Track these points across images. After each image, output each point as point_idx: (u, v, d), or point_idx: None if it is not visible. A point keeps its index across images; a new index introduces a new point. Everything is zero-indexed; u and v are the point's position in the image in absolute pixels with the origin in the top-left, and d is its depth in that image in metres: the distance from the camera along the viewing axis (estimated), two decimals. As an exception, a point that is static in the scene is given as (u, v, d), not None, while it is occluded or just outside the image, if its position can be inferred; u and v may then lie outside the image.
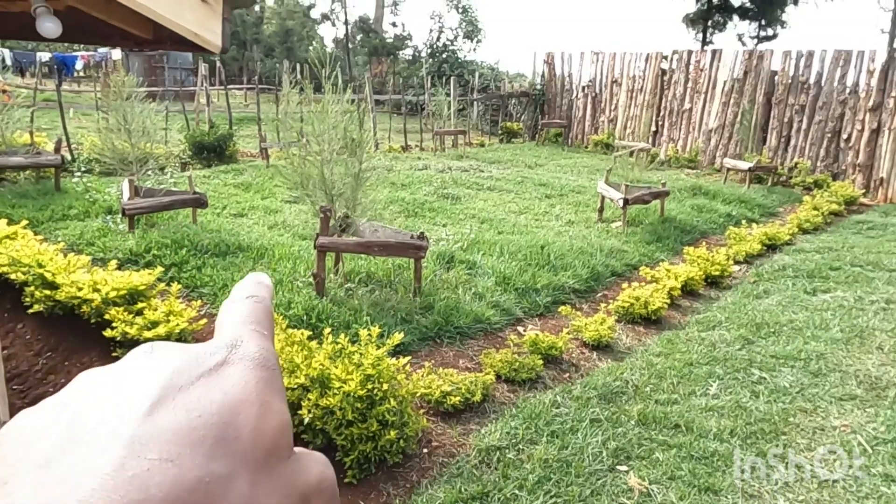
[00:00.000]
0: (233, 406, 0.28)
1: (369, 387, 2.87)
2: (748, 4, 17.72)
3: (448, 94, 14.37)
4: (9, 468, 0.25)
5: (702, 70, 13.02)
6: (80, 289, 3.96)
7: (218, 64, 17.02)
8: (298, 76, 15.02)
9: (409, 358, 3.33)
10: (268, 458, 0.28)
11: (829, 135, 11.38)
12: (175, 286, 4.18)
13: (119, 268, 4.62)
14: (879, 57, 10.73)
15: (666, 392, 3.72)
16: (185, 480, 0.24)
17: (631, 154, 8.76)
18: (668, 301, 5.06)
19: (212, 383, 0.28)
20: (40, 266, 4.17)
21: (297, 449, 0.31)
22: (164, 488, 0.24)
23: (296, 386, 2.97)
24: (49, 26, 1.95)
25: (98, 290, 3.95)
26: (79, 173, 7.64)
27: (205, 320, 4.04)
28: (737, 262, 6.41)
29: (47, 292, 4.06)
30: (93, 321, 3.94)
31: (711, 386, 3.82)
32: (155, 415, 0.26)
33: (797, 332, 4.69)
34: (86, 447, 0.25)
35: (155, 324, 3.73)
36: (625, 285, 5.28)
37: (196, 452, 0.25)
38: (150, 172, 6.82)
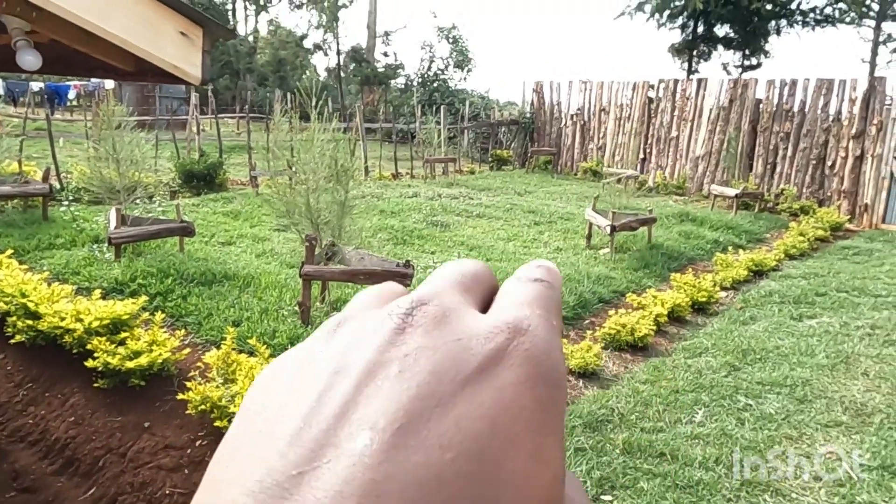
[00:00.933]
0: (497, 450, 0.20)
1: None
2: (732, 35, 18.08)
3: (438, 123, 14.51)
4: (245, 457, 0.20)
5: (688, 98, 13.22)
6: (62, 318, 3.94)
7: (209, 93, 17.14)
8: (289, 105, 15.13)
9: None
10: None
11: (814, 161, 11.54)
12: (159, 315, 4.16)
13: (104, 297, 4.60)
14: (861, 86, 10.94)
15: (652, 420, 3.71)
16: None
17: (619, 181, 8.84)
18: (655, 328, 5.07)
19: (479, 395, 0.20)
20: (23, 296, 4.14)
21: (570, 490, 0.22)
22: None
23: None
24: (29, 59, 1.97)
25: (81, 320, 3.92)
26: (66, 202, 7.64)
27: (188, 350, 4.02)
28: (724, 289, 6.44)
29: (30, 322, 4.03)
30: (75, 351, 3.91)
31: (697, 413, 3.81)
32: (401, 449, 0.19)
33: (783, 358, 4.70)
34: (311, 480, 0.19)
35: (137, 353, 3.70)
36: (612, 312, 5.28)
37: None
38: (138, 201, 6.82)
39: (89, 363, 3.66)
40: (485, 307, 0.26)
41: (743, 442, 3.48)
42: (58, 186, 8.83)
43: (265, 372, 0.24)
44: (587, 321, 5.48)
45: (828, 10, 16.27)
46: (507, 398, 0.20)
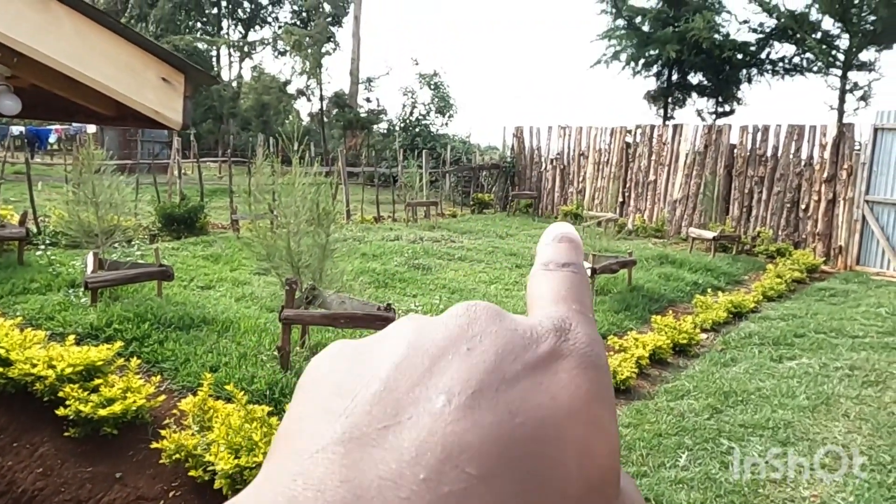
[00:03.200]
0: (560, 419, 0.22)
1: (330, 464, 2.78)
2: (705, 82, 18.64)
3: (420, 167, 14.66)
4: (319, 420, 0.22)
5: (664, 144, 13.53)
6: (34, 365, 3.84)
7: (192, 137, 17.21)
8: (271, 149, 15.21)
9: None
10: (590, 496, 0.21)
11: (789, 205, 11.79)
12: (134, 361, 4.07)
13: (78, 343, 4.50)
14: (830, 132, 11.29)
15: (635, 464, 3.67)
16: None
17: (599, 224, 8.95)
18: (637, 370, 5.06)
19: (538, 379, 0.23)
20: (-6, 342, 4.04)
21: (624, 484, 0.24)
22: None
23: (254, 465, 2.87)
24: (8, 104, 1.97)
25: (53, 367, 3.82)
26: (43, 246, 7.54)
27: (163, 396, 3.93)
28: (704, 330, 6.47)
29: (0, 369, 3.93)
30: (46, 399, 3.80)
31: (681, 457, 3.78)
32: (476, 409, 0.21)
33: (765, 399, 4.70)
34: (396, 433, 0.21)
35: (111, 401, 3.61)
36: (594, 355, 5.28)
37: (514, 476, 0.20)
38: (116, 245, 6.75)
39: (60, 411, 3.55)
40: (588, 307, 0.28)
41: (727, 486, 3.45)
42: (35, 230, 8.73)
43: (327, 352, 0.26)
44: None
45: (796, 60, 16.87)
46: (564, 380, 0.23)
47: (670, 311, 6.79)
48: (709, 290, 8.04)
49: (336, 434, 0.21)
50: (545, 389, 0.22)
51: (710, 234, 10.79)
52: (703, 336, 6.31)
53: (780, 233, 11.83)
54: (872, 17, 13.86)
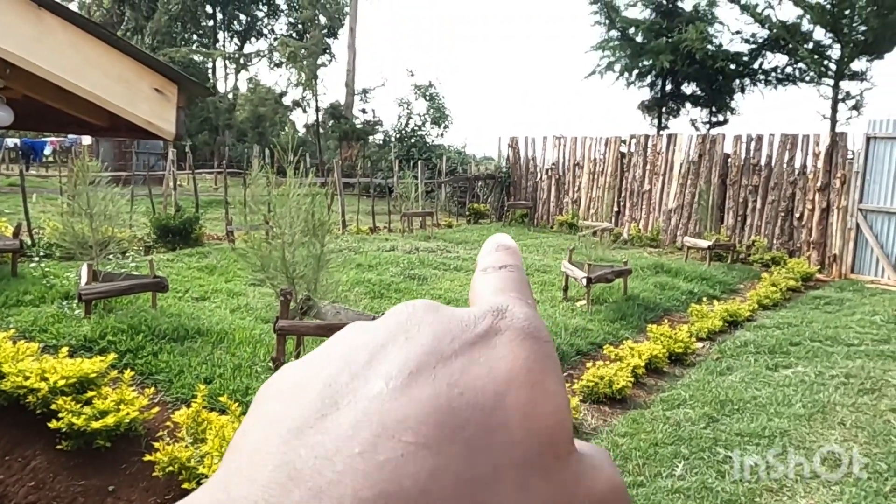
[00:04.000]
0: (499, 385, 0.23)
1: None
2: (699, 92, 18.74)
3: (416, 177, 14.68)
4: (263, 428, 0.23)
5: (659, 153, 13.58)
6: (26, 378, 3.81)
7: (187, 149, 17.22)
8: (267, 160, 15.23)
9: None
10: (542, 454, 0.22)
11: (783, 214, 11.84)
12: (128, 373, 4.05)
13: (71, 355, 4.48)
14: (823, 141, 11.35)
15: (632, 474, 3.66)
16: (443, 476, 0.20)
17: (594, 234, 8.97)
18: (633, 379, 5.06)
19: (476, 354, 0.23)
20: (-14, 355, 4.01)
21: (578, 444, 0.25)
22: (420, 482, 0.20)
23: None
24: (1, 115, 1.97)
25: (46, 379, 3.80)
26: (37, 258, 7.51)
27: (157, 409, 3.91)
28: (700, 339, 6.48)
29: (-8, 382, 3.90)
30: (38, 412, 3.77)
31: (677, 466, 3.77)
32: (413, 387, 0.22)
33: (761, 408, 4.70)
34: (334, 417, 0.21)
35: (104, 413, 3.58)
36: (589, 364, 5.27)
37: (456, 440, 0.21)
38: (111, 257, 6.73)
39: (53, 424, 3.53)
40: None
41: (724, 495, 3.43)
42: (29, 242, 8.70)
43: (276, 374, 0.26)
44: (565, 374, 5.45)
45: (788, 70, 16.99)
46: (502, 351, 0.24)
47: (666, 320, 6.79)
48: (704, 298, 8.05)
49: (279, 434, 0.22)
50: (483, 362, 0.23)
51: (704, 243, 10.81)
52: (699, 345, 6.31)
53: (774, 241, 11.86)
54: (863, 28, 13.99)
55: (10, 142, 22.81)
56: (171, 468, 3.19)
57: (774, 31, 15.59)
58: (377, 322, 0.26)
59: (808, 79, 16.33)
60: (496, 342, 0.24)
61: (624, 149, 14.22)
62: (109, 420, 3.51)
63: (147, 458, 3.31)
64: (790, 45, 15.50)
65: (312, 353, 0.26)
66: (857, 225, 10.79)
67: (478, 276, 0.30)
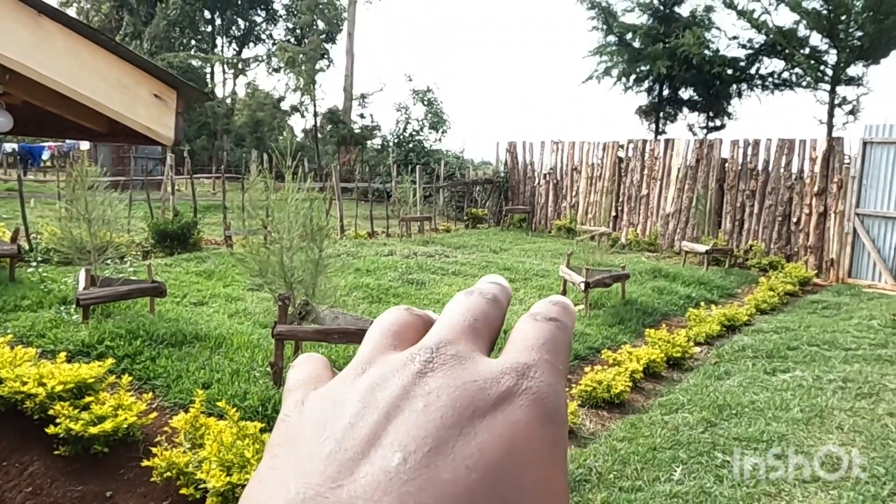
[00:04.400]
0: (513, 473, 0.22)
1: (323, 481, 2.76)
2: (696, 97, 18.78)
3: (414, 182, 14.70)
4: (278, 484, 0.22)
5: (656, 158, 13.61)
6: (24, 383, 3.81)
7: (185, 154, 17.22)
8: (265, 165, 15.24)
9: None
10: None
11: (780, 218, 11.86)
12: (126, 378, 4.05)
13: (69, 360, 4.47)
14: (820, 146, 11.39)
15: (630, 479, 3.66)
16: None
17: (592, 238, 8.98)
18: (631, 384, 5.06)
19: (496, 427, 0.23)
20: (-17, 360, 4.01)
21: None
22: None
23: (246, 482, 2.84)
24: (0, 121, 1.98)
25: (43, 384, 3.79)
26: (35, 263, 7.50)
27: (155, 414, 3.90)
28: (698, 344, 6.48)
29: (-11, 387, 3.89)
30: (36, 417, 3.76)
31: (675, 471, 3.77)
32: (431, 467, 0.21)
33: (759, 412, 4.70)
34: (350, 488, 0.21)
35: (102, 418, 3.58)
36: (588, 368, 5.27)
37: None
38: (109, 261, 6.72)
39: (50, 429, 3.52)
40: (492, 345, 0.28)
41: (722, 500, 3.43)
42: (27, 247, 8.69)
43: (290, 410, 0.26)
44: (563, 378, 5.44)
45: (785, 75, 17.05)
46: (519, 432, 0.23)
47: (664, 325, 6.80)
48: (702, 303, 8.06)
49: (290, 495, 0.21)
50: (502, 442, 0.23)
51: (702, 248, 10.83)
52: (697, 349, 6.31)
53: (772, 246, 11.88)
54: (859, 33, 14.04)
55: (9, 146, 22.81)
56: (168, 473, 3.18)
57: (771, 36, 15.64)
58: (393, 371, 0.25)
59: (804, 84, 16.38)
60: (514, 415, 0.23)
61: (622, 153, 14.25)
62: (107, 425, 3.50)
63: (145, 463, 3.31)
64: (787, 51, 15.55)
65: (329, 388, 0.26)
66: (854, 229, 10.82)
67: (526, 319, 0.29)
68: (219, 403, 3.78)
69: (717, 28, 18.14)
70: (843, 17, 13.90)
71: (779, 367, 5.83)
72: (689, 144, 13.20)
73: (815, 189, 11.34)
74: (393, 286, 8.09)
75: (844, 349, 6.40)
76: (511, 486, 0.22)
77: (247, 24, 33.43)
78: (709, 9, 17.64)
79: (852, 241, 10.87)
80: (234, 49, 34.11)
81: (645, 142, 14.06)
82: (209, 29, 32.56)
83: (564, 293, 7.68)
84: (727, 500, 3.44)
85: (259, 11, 33.44)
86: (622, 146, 14.26)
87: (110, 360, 4.35)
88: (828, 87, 15.26)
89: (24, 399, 3.79)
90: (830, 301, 9.01)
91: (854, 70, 15.01)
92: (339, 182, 14.22)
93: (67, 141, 21.40)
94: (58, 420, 3.54)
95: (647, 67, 17.77)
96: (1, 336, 4.80)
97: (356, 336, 4.41)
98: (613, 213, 14.19)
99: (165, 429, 3.75)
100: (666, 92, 18.87)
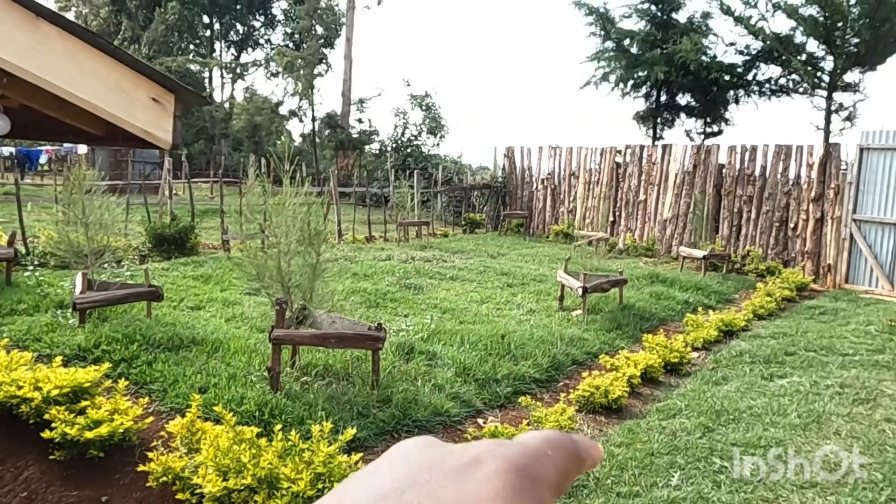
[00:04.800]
0: None
1: (319, 486, 2.75)
2: (693, 103, 18.83)
3: (412, 187, 14.70)
4: None
5: (654, 163, 13.64)
6: (20, 387, 3.79)
7: (183, 158, 17.22)
8: (262, 169, 15.23)
9: (361, 455, 3.23)
10: None
11: (777, 224, 11.88)
12: (122, 382, 4.03)
13: (65, 364, 4.45)
14: (817, 152, 11.42)
15: (628, 484, 3.65)
16: None
17: (590, 243, 8.99)
18: (629, 389, 5.05)
19: (457, 482, 0.26)
20: (-21, 364, 3.99)
21: None
22: None
23: (242, 487, 2.83)
24: (-2, 124, 1.97)
25: (39, 388, 3.77)
26: (31, 267, 7.48)
27: (151, 418, 3.88)
28: (695, 349, 6.48)
29: (-16, 392, 3.87)
30: (31, 422, 3.74)
31: (673, 477, 3.76)
32: None
33: (756, 418, 4.70)
34: None
35: (98, 423, 3.56)
36: (585, 374, 5.27)
37: None
38: (105, 265, 6.71)
39: (46, 434, 3.50)
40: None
41: (720, 505, 3.43)
42: (23, 251, 8.67)
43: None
44: (561, 383, 5.44)
45: (782, 81, 17.10)
46: (479, 477, 0.25)
47: (661, 330, 6.79)
48: (699, 308, 8.07)
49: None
50: (457, 487, 0.26)
51: (700, 253, 10.84)
52: (695, 355, 6.31)
53: (769, 251, 11.90)
54: (856, 40, 14.10)
55: (6, 150, 22.79)
56: (165, 478, 3.17)
57: (768, 42, 15.70)
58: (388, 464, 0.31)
59: (801, 90, 16.44)
60: (478, 473, 0.26)
61: (619, 159, 14.28)
62: (103, 430, 3.49)
63: (141, 468, 3.29)
64: (783, 57, 15.61)
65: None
66: (851, 235, 10.84)
67: (537, 448, 0.29)
68: (215, 408, 3.76)
69: (715, 34, 18.19)
70: (840, 24, 13.96)
71: (776, 372, 5.83)
72: (687, 150, 13.23)
73: (813, 195, 11.37)
74: (390, 291, 8.08)
75: (842, 355, 6.40)
76: None
77: (245, 28, 33.49)
78: (706, 15, 17.71)
79: (849, 246, 10.89)
80: (233, 54, 34.17)
81: (642, 147, 14.09)
82: (208, 33, 32.61)
83: (562, 298, 7.67)
84: (725, 505, 3.43)
85: (258, 16, 33.52)
86: (620, 151, 14.29)
87: (107, 365, 4.33)
88: (824, 93, 15.31)
89: (19, 403, 3.77)
90: (828, 306, 9.02)
91: (851, 76, 15.07)
92: (337, 187, 14.23)
93: (65, 144, 21.37)
94: (53, 424, 3.52)
95: (645, 73, 17.82)
96: (-3, 340, 4.78)
97: (353, 341, 4.40)
98: (611, 219, 14.21)
99: (162, 433, 3.73)
100: (663, 98, 18.92)
